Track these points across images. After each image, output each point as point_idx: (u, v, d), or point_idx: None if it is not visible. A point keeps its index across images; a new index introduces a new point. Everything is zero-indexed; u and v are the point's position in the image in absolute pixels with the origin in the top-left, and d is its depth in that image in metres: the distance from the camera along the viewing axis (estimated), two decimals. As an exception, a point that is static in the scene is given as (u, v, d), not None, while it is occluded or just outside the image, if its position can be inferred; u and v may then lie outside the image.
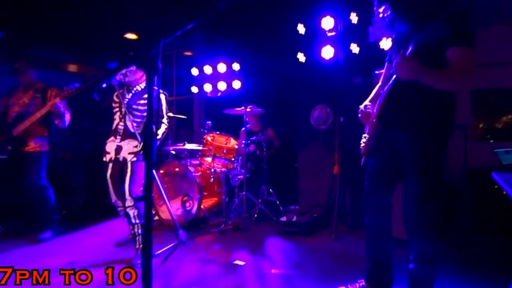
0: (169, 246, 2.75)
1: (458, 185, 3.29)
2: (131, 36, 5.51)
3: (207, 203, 4.04)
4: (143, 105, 2.89)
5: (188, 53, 6.28)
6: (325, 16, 3.76)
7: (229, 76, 5.30)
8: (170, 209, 2.89)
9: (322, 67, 3.97)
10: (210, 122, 4.32)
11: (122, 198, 2.85)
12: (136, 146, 2.81)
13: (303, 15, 4.00)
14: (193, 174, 3.77)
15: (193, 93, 5.68)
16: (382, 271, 2.01)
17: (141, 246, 2.76)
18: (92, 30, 4.93)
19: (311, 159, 4.27)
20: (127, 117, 2.83)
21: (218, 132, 4.10)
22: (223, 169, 3.98)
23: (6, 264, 2.66)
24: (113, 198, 2.90)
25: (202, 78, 5.53)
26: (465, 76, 1.66)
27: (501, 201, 2.60)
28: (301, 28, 4.01)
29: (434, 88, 1.69)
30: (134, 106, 2.88)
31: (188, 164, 3.91)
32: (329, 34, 3.81)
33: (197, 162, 4.09)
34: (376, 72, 3.32)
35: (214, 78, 5.42)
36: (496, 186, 2.68)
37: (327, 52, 3.87)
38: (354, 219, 3.74)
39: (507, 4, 3.39)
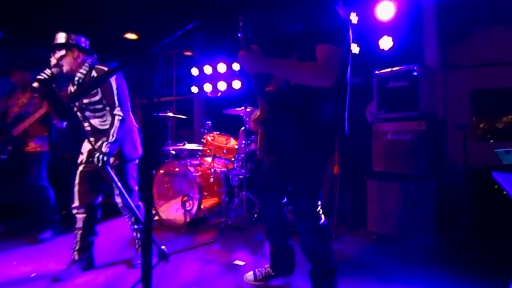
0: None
1: (458, 185, 3.29)
2: (131, 36, 5.52)
3: (207, 203, 4.04)
4: (91, 95, 2.42)
5: (188, 53, 6.28)
6: (325, 16, 3.75)
7: (229, 76, 5.31)
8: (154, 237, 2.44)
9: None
10: (210, 122, 4.31)
11: (87, 205, 2.50)
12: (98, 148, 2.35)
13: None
14: (193, 174, 3.76)
15: (193, 93, 5.68)
16: (282, 256, 2.31)
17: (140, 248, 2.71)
18: (92, 30, 4.92)
19: (311, 159, 4.26)
20: (85, 115, 2.49)
21: (218, 132, 4.10)
22: (223, 169, 3.98)
23: (6, 264, 2.67)
24: (76, 203, 2.48)
25: (202, 78, 5.53)
26: (328, 72, 1.63)
27: (501, 201, 2.60)
28: (301, 28, 4.00)
29: (297, 82, 1.72)
30: (86, 101, 2.45)
31: (188, 164, 3.90)
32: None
33: (197, 162, 4.08)
34: (376, 72, 3.33)
35: (214, 78, 5.43)
36: (496, 186, 2.68)
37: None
38: (354, 219, 3.74)
39: (507, 4, 3.39)
